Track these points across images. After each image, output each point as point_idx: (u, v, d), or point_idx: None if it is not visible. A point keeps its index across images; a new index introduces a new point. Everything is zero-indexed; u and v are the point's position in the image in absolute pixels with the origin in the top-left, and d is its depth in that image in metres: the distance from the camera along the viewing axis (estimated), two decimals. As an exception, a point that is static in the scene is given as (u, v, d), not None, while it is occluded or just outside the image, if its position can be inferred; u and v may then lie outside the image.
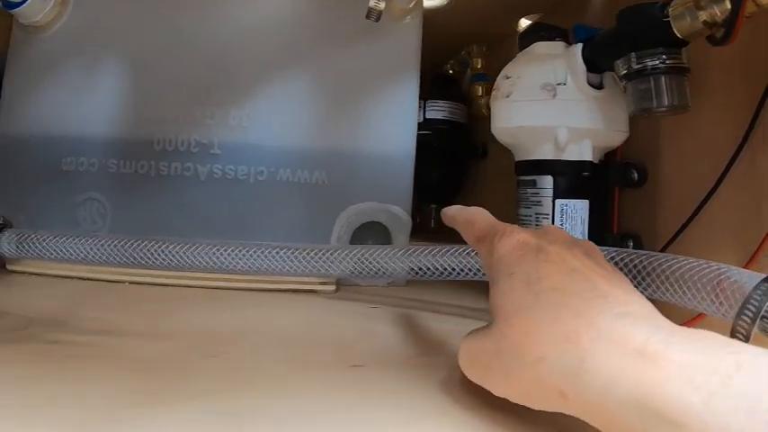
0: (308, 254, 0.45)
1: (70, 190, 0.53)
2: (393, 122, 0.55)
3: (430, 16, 0.59)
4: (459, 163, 0.73)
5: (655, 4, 0.40)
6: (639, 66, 0.41)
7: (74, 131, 0.53)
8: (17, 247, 0.47)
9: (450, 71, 0.76)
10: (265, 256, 0.45)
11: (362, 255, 0.44)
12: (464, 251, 0.42)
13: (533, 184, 0.51)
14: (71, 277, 0.50)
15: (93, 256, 0.46)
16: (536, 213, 0.51)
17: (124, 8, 0.53)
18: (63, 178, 0.53)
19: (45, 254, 0.46)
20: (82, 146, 0.53)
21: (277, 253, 0.45)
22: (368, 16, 0.50)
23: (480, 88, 0.70)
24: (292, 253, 0.45)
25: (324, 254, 0.44)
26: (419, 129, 0.69)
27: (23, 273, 0.51)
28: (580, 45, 0.48)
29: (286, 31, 0.54)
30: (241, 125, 0.52)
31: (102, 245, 0.45)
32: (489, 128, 0.53)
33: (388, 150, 0.54)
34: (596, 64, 0.47)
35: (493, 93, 0.54)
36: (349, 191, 0.53)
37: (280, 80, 0.53)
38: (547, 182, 0.50)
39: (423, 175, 0.68)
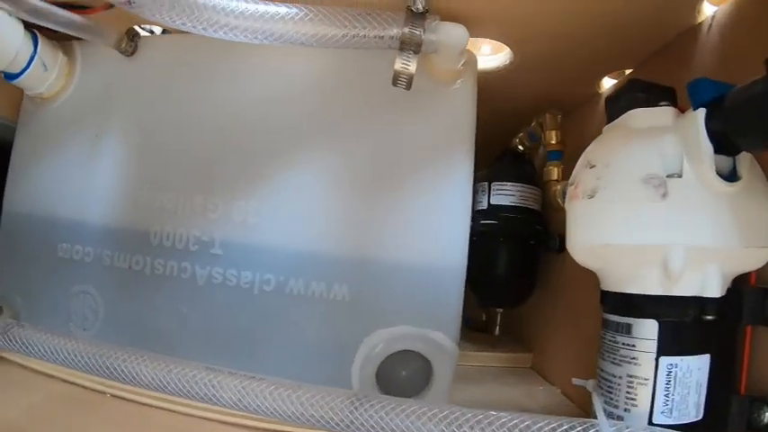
0: (313, 398, 0.34)
1: (65, 279, 0.47)
2: (438, 220, 0.42)
3: (489, 80, 0.47)
4: (531, 258, 0.58)
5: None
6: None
7: (71, 215, 0.47)
8: (2, 337, 0.43)
9: (520, 147, 0.62)
10: (258, 393, 0.35)
11: (380, 409, 0.33)
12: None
13: (626, 329, 0.36)
14: (54, 377, 0.45)
15: (73, 361, 0.40)
16: (628, 375, 0.35)
17: (131, 80, 0.47)
18: (58, 265, 0.47)
19: (28, 350, 0.42)
20: (78, 232, 0.46)
21: (274, 391, 0.35)
22: (395, 83, 0.40)
23: (555, 170, 0.56)
24: (294, 394, 0.34)
25: (337, 401, 0.33)
26: (483, 217, 0.57)
27: (10, 362, 0.47)
28: (703, 111, 0.31)
29: (304, 105, 0.44)
30: (247, 221, 0.43)
31: (83, 350, 0.40)
32: (562, 217, 0.39)
33: (431, 258, 0.42)
34: (729, 141, 0.31)
35: (569, 189, 0.39)
36: (377, 310, 0.42)
37: (295, 166, 0.43)
38: (648, 329, 0.34)
39: (487, 274, 0.55)
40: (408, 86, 0.40)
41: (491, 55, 0.51)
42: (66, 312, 0.47)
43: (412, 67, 0.39)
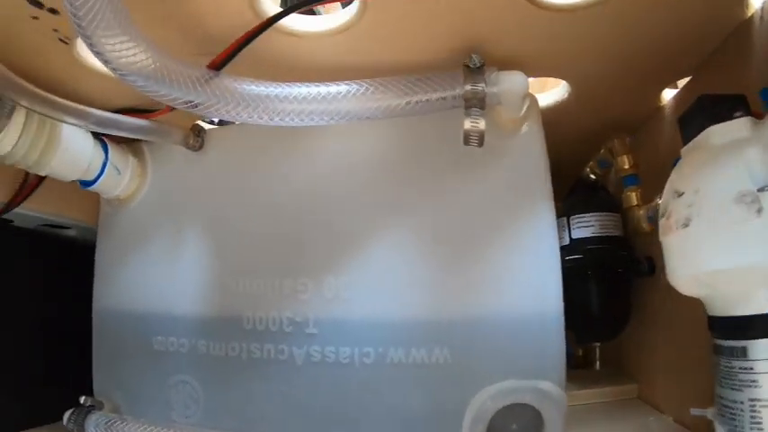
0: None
1: (162, 371, 0.48)
2: (528, 267, 0.42)
3: (549, 115, 0.46)
4: (622, 287, 0.57)
5: None
6: None
7: (162, 309, 0.48)
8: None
9: (592, 175, 0.61)
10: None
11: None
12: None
13: (742, 353, 0.34)
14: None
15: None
16: (750, 399, 0.34)
17: (202, 174, 0.48)
18: (155, 358, 0.49)
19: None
20: (171, 324, 0.48)
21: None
22: (467, 142, 0.40)
23: (634, 195, 0.54)
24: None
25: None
26: (567, 253, 0.56)
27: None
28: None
29: (378, 177, 0.44)
30: (339, 296, 0.43)
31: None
32: (653, 239, 0.38)
33: (528, 307, 0.41)
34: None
35: (660, 221, 0.38)
36: (481, 368, 0.41)
37: (380, 236, 0.43)
38: (765, 349, 0.34)
39: (580, 309, 0.53)
40: (480, 143, 0.39)
41: (548, 91, 0.51)
42: (165, 403, 0.48)
43: (481, 124, 0.39)
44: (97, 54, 0.31)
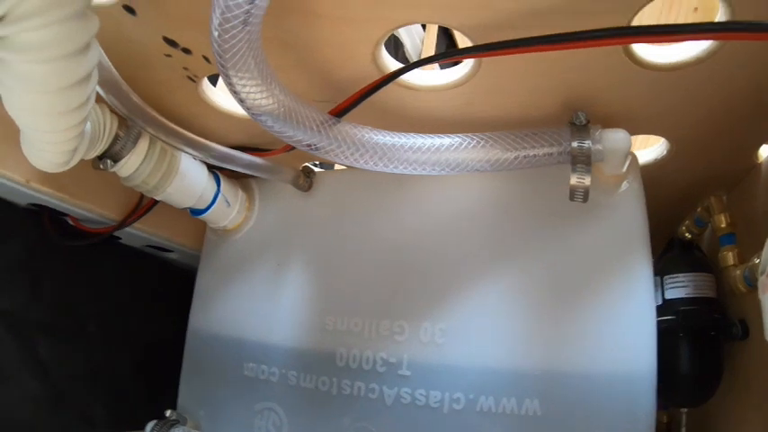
0: None
1: (249, 396, 0.50)
2: (624, 325, 0.42)
3: (648, 174, 0.47)
4: (712, 351, 0.55)
5: None
6: None
7: (257, 337, 0.50)
8: None
9: (687, 234, 0.60)
10: None
11: None
12: None
13: None
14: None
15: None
16: None
17: (309, 213, 0.50)
18: (244, 383, 0.50)
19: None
20: (264, 353, 0.49)
21: None
22: (572, 197, 0.41)
23: (731, 255, 0.53)
24: None
25: None
26: (660, 313, 0.54)
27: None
28: None
29: (479, 227, 0.45)
30: (435, 341, 0.44)
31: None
32: (747, 301, 0.38)
33: (621, 365, 0.41)
34: None
35: (760, 280, 0.36)
36: (570, 424, 0.41)
37: (479, 285, 0.44)
38: None
39: (669, 372, 0.52)
40: (585, 199, 0.40)
41: (647, 148, 0.51)
42: (248, 427, 0.49)
43: (587, 180, 0.40)
44: (234, 94, 0.33)
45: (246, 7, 0.27)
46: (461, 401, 0.42)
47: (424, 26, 0.96)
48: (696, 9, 0.82)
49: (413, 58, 0.97)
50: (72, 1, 0.26)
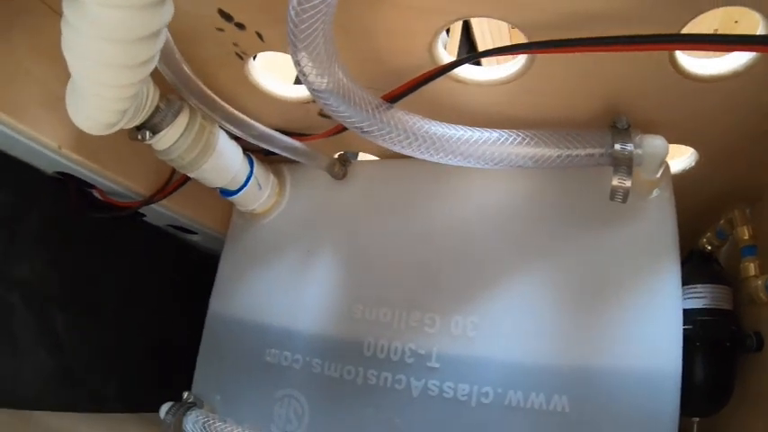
0: None
1: (270, 383, 0.49)
2: (653, 325, 0.42)
3: (675, 183, 0.48)
4: (726, 362, 0.56)
5: None
6: None
7: (281, 323, 0.49)
8: (201, 430, 0.46)
9: (708, 246, 0.61)
10: None
11: None
12: None
13: None
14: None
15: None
16: None
17: (341, 201, 0.50)
18: (265, 369, 0.50)
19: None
20: (288, 339, 0.49)
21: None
22: (612, 197, 0.42)
23: (752, 266, 0.54)
24: None
25: None
26: (676, 323, 0.56)
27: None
28: None
29: (519, 221, 0.46)
30: (466, 335, 0.44)
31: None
32: (764, 314, 0.38)
33: (647, 365, 0.42)
34: None
35: None
36: (597, 421, 0.41)
37: (512, 280, 0.44)
38: None
39: (684, 381, 0.53)
40: (625, 200, 0.41)
41: (675, 159, 0.52)
42: (267, 415, 0.49)
43: (628, 183, 0.40)
44: (299, 69, 0.33)
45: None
46: (490, 395, 0.42)
47: (447, 30, 0.97)
48: (737, 22, 0.83)
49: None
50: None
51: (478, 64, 0.45)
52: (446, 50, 0.42)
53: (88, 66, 0.30)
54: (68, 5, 0.27)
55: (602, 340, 0.42)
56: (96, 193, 0.50)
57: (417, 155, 0.39)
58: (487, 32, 0.96)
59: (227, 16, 0.39)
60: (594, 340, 0.42)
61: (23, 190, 0.48)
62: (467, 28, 0.95)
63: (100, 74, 0.30)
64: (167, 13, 0.29)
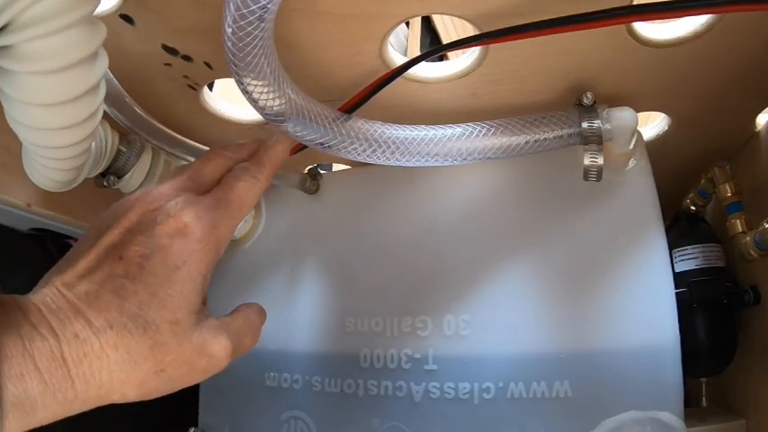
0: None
1: (274, 407, 0.49)
2: (645, 299, 0.42)
3: (650, 150, 0.47)
4: (726, 319, 0.56)
5: None
6: None
7: (276, 346, 0.49)
8: None
9: (692, 207, 0.61)
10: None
11: None
12: None
13: None
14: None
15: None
16: None
17: (318, 216, 0.50)
18: (266, 394, 0.50)
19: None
20: (284, 361, 0.49)
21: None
22: (586, 177, 0.41)
23: (738, 222, 0.54)
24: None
25: None
26: (672, 287, 0.55)
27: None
28: None
29: (499, 213, 0.45)
30: (459, 333, 0.43)
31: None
32: (757, 268, 0.38)
33: (645, 339, 0.41)
34: None
35: None
36: (601, 401, 0.41)
37: (499, 273, 0.44)
38: None
39: (686, 344, 0.53)
40: (599, 178, 0.40)
41: (648, 125, 0.51)
42: (274, 439, 0.49)
43: (600, 160, 0.40)
44: (247, 94, 0.33)
45: (264, 2, 0.26)
46: (491, 390, 0.42)
47: (407, 23, 0.96)
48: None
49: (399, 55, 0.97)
50: (80, 5, 0.25)
51: (444, 58, 0.44)
52: (408, 44, 0.41)
53: (31, 131, 0.29)
54: (2, 77, 0.26)
55: (596, 321, 0.42)
56: (74, 243, 0.50)
57: (383, 162, 0.39)
58: (449, 21, 0.95)
59: (171, 51, 0.38)
60: (589, 322, 0.42)
61: (2, 252, 0.47)
62: (427, 20, 0.95)
63: (43, 139, 0.30)
64: (101, 66, 0.28)
